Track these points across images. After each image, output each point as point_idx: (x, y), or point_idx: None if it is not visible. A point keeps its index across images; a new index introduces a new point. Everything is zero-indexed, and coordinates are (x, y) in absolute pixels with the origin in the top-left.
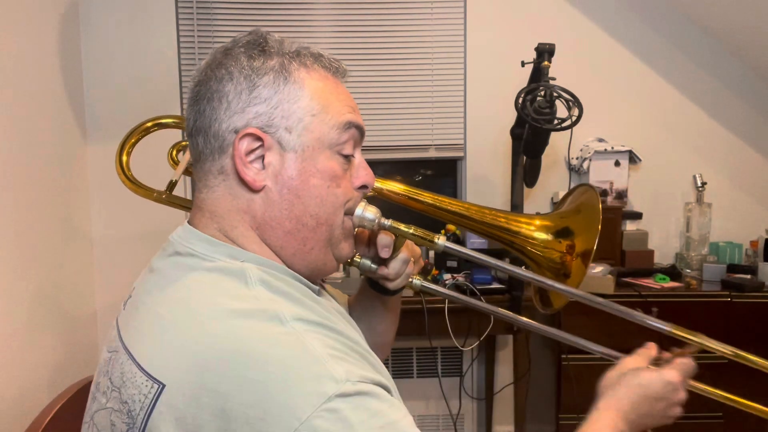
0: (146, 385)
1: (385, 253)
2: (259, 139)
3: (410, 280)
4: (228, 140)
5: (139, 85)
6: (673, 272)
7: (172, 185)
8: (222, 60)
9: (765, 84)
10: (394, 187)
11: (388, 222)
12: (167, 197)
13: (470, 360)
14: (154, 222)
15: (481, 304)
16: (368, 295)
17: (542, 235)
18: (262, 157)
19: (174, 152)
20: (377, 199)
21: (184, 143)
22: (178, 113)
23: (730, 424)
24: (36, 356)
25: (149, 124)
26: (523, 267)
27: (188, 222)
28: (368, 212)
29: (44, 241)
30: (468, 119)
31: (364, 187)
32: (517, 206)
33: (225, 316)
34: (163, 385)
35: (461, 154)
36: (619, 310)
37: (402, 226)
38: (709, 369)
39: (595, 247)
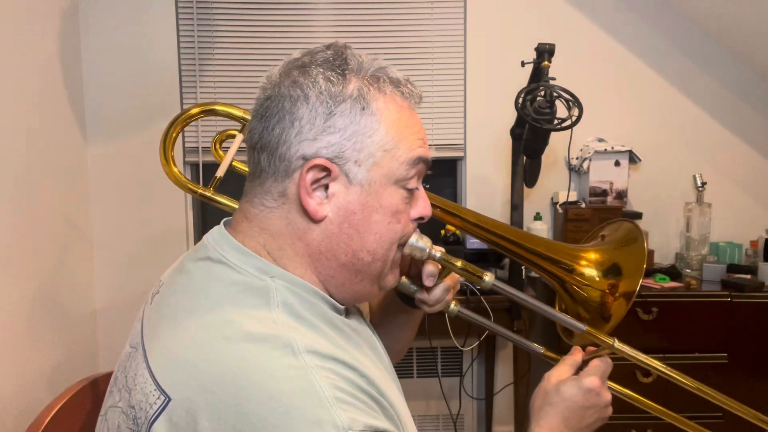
0: (154, 395)
1: (429, 282)
2: (326, 169)
3: (448, 306)
4: (295, 166)
5: (139, 84)
6: (673, 272)
7: (216, 182)
8: (297, 78)
9: (765, 84)
10: (451, 212)
11: (438, 254)
12: (211, 196)
13: (470, 360)
14: (155, 222)
15: (517, 337)
16: (394, 304)
17: (589, 271)
18: (326, 186)
19: (218, 144)
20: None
21: (230, 131)
22: (179, 113)
23: (730, 424)
24: (36, 356)
25: (195, 110)
26: (556, 311)
27: (226, 225)
28: (421, 242)
29: (44, 241)
30: (468, 119)
31: (420, 218)
32: (517, 206)
33: (238, 338)
34: (170, 399)
35: (461, 154)
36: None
37: (451, 259)
38: (711, 369)
39: (638, 290)
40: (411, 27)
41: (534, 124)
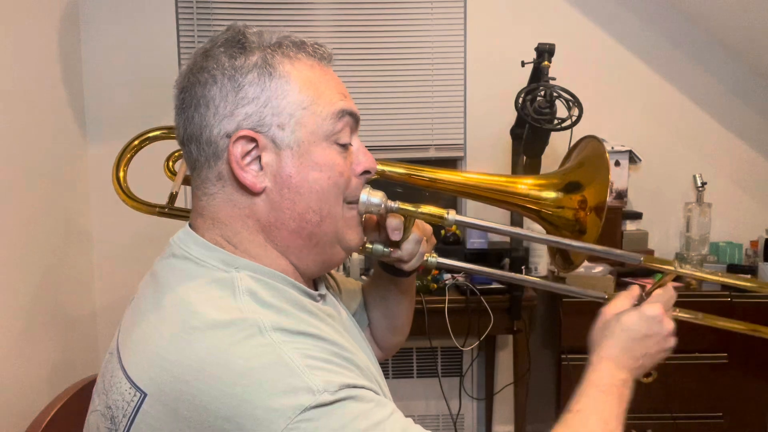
0: (129, 393)
1: (396, 236)
2: (252, 140)
3: (425, 258)
4: (221, 146)
5: (139, 85)
6: None
7: (173, 197)
8: (203, 63)
9: (765, 84)
10: (394, 167)
11: (395, 204)
12: (170, 210)
13: (470, 360)
14: (155, 222)
15: (504, 273)
16: (382, 279)
17: (551, 194)
18: (259, 158)
19: (170, 163)
20: (381, 183)
21: (178, 153)
22: (125, 144)
23: (731, 424)
24: (36, 356)
25: (136, 142)
26: (528, 230)
27: (189, 225)
28: (374, 197)
29: (44, 241)
30: (468, 119)
31: (366, 172)
32: None
33: (205, 327)
34: (145, 395)
35: (461, 154)
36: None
37: (410, 207)
38: (711, 369)
39: (607, 199)
40: (411, 27)
41: (534, 124)
